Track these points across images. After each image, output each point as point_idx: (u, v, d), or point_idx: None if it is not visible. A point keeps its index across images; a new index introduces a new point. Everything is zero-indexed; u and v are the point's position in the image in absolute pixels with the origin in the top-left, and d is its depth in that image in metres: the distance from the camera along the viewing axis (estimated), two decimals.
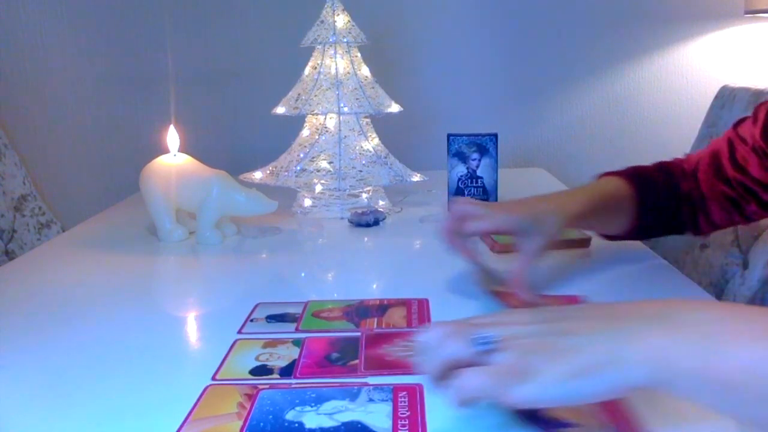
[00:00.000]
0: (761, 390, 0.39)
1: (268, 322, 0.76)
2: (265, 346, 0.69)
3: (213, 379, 0.62)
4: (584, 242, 1.01)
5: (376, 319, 0.75)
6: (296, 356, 0.66)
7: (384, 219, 1.21)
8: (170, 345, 0.73)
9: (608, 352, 0.43)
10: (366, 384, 0.60)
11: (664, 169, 0.94)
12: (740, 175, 0.87)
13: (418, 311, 0.78)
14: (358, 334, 0.71)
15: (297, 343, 0.69)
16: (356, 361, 0.64)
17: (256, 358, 0.66)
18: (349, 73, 1.25)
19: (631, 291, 0.84)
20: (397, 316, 0.76)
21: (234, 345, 0.69)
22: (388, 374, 0.62)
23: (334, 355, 0.66)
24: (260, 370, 0.63)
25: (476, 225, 0.80)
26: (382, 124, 1.34)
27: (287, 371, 0.63)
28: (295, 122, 1.31)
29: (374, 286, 0.93)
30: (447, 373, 0.46)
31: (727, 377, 0.40)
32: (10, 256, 1.57)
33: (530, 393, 0.43)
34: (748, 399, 0.40)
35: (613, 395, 0.44)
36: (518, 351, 0.45)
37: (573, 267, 0.94)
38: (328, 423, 0.53)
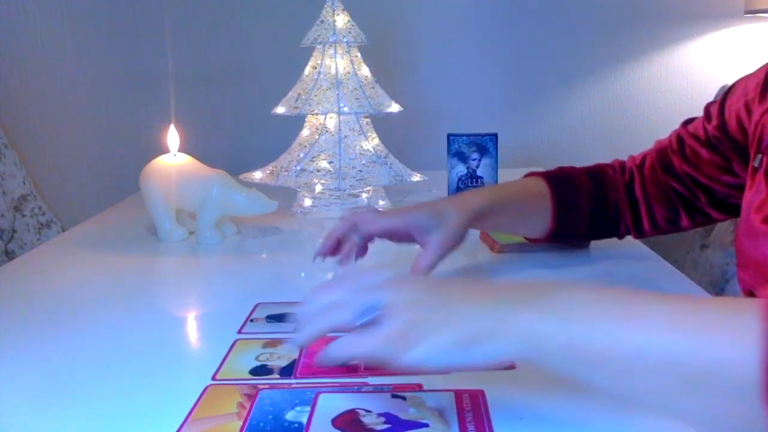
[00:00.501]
0: (618, 366, 0.43)
1: (268, 322, 0.76)
2: (265, 346, 0.69)
3: (213, 379, 0.62)
4: (584, 241, 1.01)
5: None
6: (297, 356, 0.66)
7: None
8: (170, 345, 0.73)
9: (485, 326, 0.46)
10: (366, 384, 0.60)
11: (595, 172, 0.93)
12: (691, 170, 0.85)
13: None
14: None
15: None
16: (356, 361, 0.64)
17: (257, 358, 0.66)
18: (349, 73, 1.25)
19: None
20: None
21: (234, 345, 0.69)
22: (388, 374, 0.61)
23: None
24: (260, 370, 0.63)
25: (371, 226, 0.80)
26: (382, 124, 1.34)
27: (288, 371, 0.63)
28: (295, 122, 1.31)
29: None
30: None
31: (589, 355, 0.44)
32: (10, 256, 1.57)
33: (416, 357, 0.47)
34: (607, 374, 0.44)
35: (489, 366, 0.48)
36: (404, 318, 0.48)
37: (573, 267, 0.94)
38: None
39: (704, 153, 0.84)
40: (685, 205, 0.88)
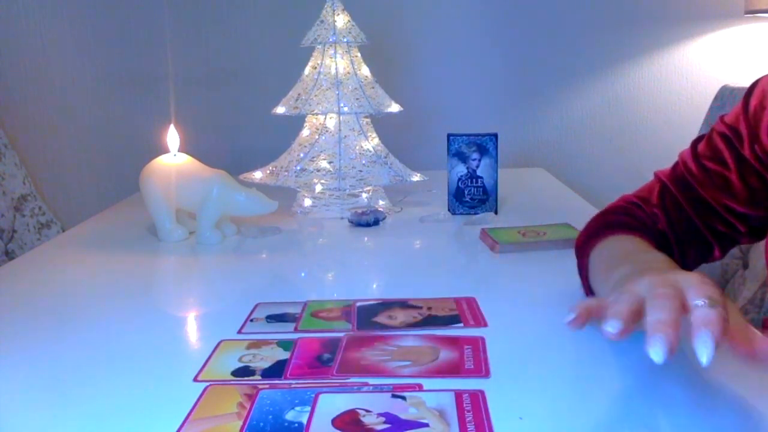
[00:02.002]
0: None
1: (268, 322, 0.76)
2: (249, 347, 0.69)
3: (194, 380, 0.62)
4: None
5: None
6: (280, 357, 0.66)
7: (384, 219, 1.21)
8: (170, 345, 0.73)
9: None
10: (366, 384, 0.60)
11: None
12: (728, 200, 0.74)
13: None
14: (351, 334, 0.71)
15: (282, 344, 0.69)
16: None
17: (240, 359, 0.66)
18: (349, 73, 1.25)
19: None
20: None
21: (218, 346, 0.69)
22: (388, 375, 0.62)
23: (326, 356, 0.66)
24: (243, 372, 0.63)
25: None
26: (382, 124, 1.34)
27: (270, 372, 0.63)
28: (295, 122, 1.30)
29: (374, 286, 0.93)
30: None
31: None
32: (10, 256, 1.57)
33: None
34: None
35: None
36: None
37: (572, 267, 0.94)
38: None
39: (737, 178, 0.73)
40: (720, 241, 0.76)
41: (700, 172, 0.76)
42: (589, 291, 0.76)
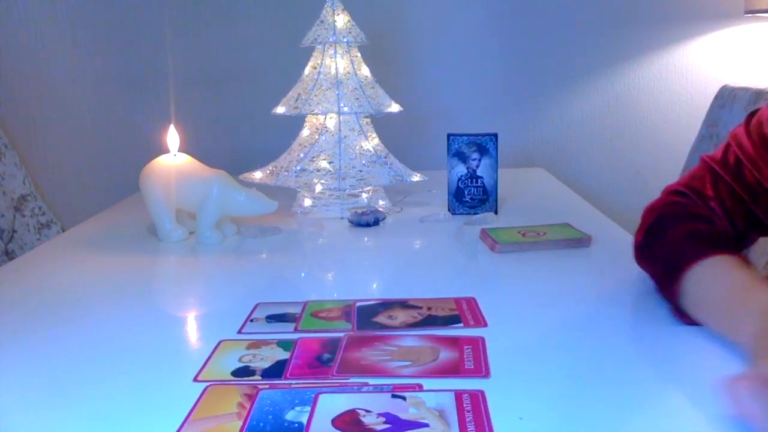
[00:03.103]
0: None
1: (268, 322, 0.76)
2: (249, 347, 0.69)
3: (194, 380, 0.62)
4: (584, 241, 1.01)
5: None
6: (280, 357, 0.66)
7: (384, 219, 1.21)
8: (170, 345, 0.73)
9: None
10: (366, 384, 0.60)
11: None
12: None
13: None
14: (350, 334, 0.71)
15: (282, 344, 0.69)
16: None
17: (240, 360, 0.66)
18: (349, 73, 1.25)
19: (631, 291, 0.84)
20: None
21: (218, 346, 0.69)
22: (365, 376, 0.61)
23: (326, 356, 0.66)
24: (242, 372, 0.63)
25: None
26: (382, 124, 1.34)
27: (270, 373, 0.63)
28: (295, 122, 1.30)
29: (374, 286, 0.93)
30: None
31: None
32: (10, 256, 1.57)
33: None
34: None
35: None
36: None
37: (572, 267, 0.95)
38: None
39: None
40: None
41: (755, 149, 0.69)
42: (681, 313, 0.69)
